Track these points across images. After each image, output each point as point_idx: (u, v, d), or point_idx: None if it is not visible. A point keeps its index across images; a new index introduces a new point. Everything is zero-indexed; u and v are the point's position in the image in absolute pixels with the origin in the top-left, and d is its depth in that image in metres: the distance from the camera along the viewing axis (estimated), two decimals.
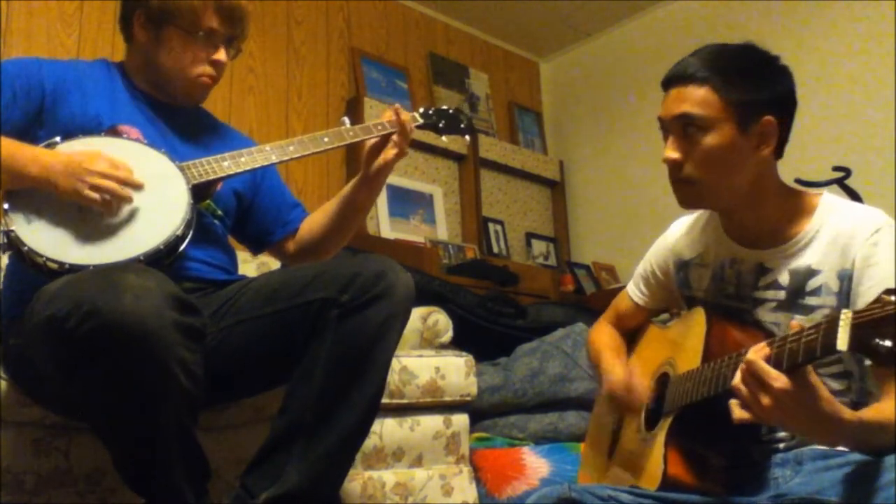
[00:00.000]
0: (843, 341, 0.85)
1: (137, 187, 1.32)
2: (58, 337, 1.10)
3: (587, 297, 3.60)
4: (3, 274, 1.49)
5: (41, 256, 1.24)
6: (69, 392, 1.21)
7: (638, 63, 3.92)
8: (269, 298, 1.37)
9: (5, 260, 1.39)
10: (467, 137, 1.84)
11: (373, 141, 1.58)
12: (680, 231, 1.39)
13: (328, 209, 1.68)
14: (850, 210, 1.19)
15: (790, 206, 1.22)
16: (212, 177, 1.45)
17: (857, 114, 3.14)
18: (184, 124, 1.58)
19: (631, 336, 1.50)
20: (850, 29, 3.22)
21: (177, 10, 1.46)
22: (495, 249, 3.77)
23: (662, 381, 1.28)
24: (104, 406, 1.17)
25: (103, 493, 1.46)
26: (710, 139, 1.16)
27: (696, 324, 1.23)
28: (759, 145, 1.18)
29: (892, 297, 0.81)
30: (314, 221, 1.70)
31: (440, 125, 1.76)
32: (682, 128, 1.18)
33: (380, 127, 1.58)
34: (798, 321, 1.00)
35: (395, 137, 1.56)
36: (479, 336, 2.58)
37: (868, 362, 1.09)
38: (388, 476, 1.84)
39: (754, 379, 0.94)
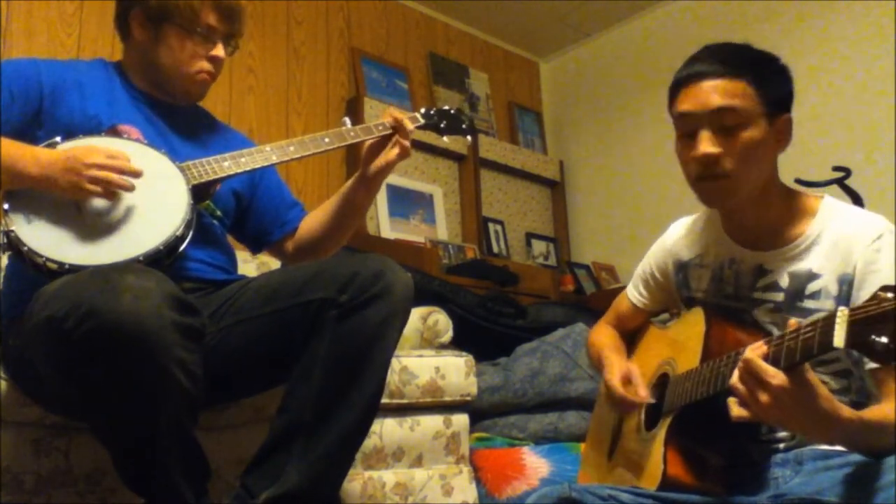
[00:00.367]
0: (839, 338, 0.85)
1: (136, 175, 1.32)
2: (56, 338, 1.10)
3: (587, 297, 3.60)
4: (3, 274, 1.49)
5: (41, 257, 1.24)
6: (68, 392, 1.21)
7: (638, 63, 3.92)
8: (269, 298, 1.37)
9: (5, 260, 1.39)
10: (468, 137, 1.84)
11: (372, 141, 1.58)
12: (679, 232, 1.39)
13: (327, 208, 1.69)
14: (852, 215, 1.20)
15: (791, 207, 1.22)
16: (212, 177, 1.45)
17: (857, 114, 3.14)
18: (183, 124, 1.58)
19: (631, 337, 1.50)
20: (850, 29, 3.22)
21: (175, 7, 1.47)
22: (495, 249, 3.77)
23: (662, 381, 1.28)
24: (103, 406, 1.17)
25: (103, 493, 1.46)
26: (750, 133, 1.15)
27: (695, 324, 1.23)
28: (779, 142, 1.20)
29: (889, 294, 0.81)
30: (313, 221, 1.71)
31: (441, 125, 1.76)
32: (718, 121, 1.16)
33: (380, 127, 1.58)
34: (796, 321, 1.00)
35: (397, 139, 1.56)
36: (479, 336, 2.58)
37: (868, 365, 1.09)
38: (388, 476, 1.85)
39: (752, 377, 0.95)
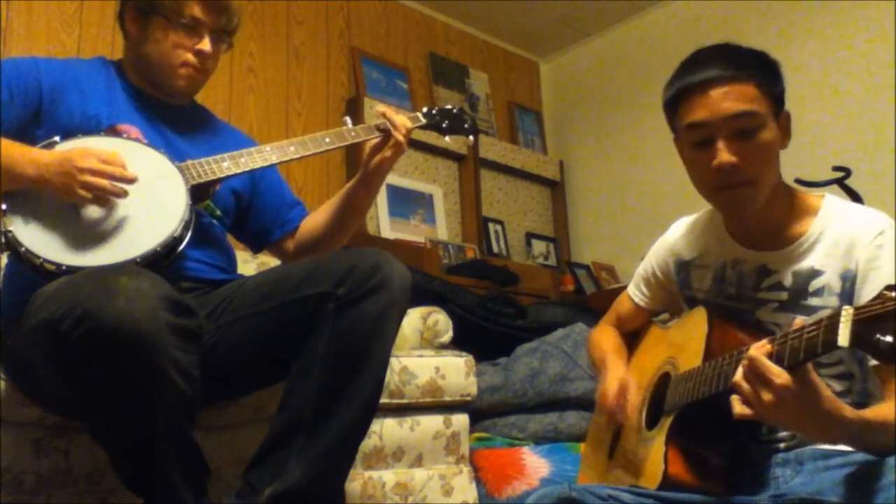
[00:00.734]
0: (844, 337, 0.85)
1: (130, 181, 1.31)
2: (53, 340, 1.10)
3: (587, 297, 3.60)
4: (2, 274, 1.49)
5: (38, 258, 1.24)
6: (66, 393, 1.21)
7: (638, 63, 3.92)
8: (266, 295, 1.37)
9: (5, 260, 1.39)
10: (470, 137, 1.82)
11: (374, 141, 1.58)
12: (680, 232, 1.39)
13: (327, 208, 1.69)
14: (854, 212, 1.19)
15: (793, 206, 1.22)
16: (211, 177, 1.45)
17: (857, 114, 3.14)
18: (183, 123, 1.58)
19: (632, 337, 1.50)
20: (850, 29, 3.22)
21: (160, 1, 1.47)
22: (495, 249, 3.77)
23: (663, 380, 1.27)
24: (100, 408, 1.17)
25: (103, 493, 1.46)
26: (766, 135, 1.14)
27: (697, 324, 1.23)
28: (783, 139, 1.19)
29: (893, 294, 0.81)
30: (314, 220, 1.71)
31: (443, 125, 1.75)
32: (734, 128, 1.13)
33: (381, 126, 1.58)
34: (801, 320, 0.99)
35: (394, 134, 1.56)
36: (479, 336, 2.58)
37: (871, 361, 1.09)
38: (388, 476, 1.84)
39: (756, 375, 0.94)
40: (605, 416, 1.41)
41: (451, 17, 4.05)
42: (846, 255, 1.15)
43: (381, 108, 1.59)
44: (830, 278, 1.15)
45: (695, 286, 1.33)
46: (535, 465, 2.14)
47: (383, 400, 1.60)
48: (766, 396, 0.93)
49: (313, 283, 1.32)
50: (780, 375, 0.92)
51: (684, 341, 1.26)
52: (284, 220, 1.71)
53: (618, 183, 4.00)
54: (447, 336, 2.14)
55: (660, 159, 3.52)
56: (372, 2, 3.72)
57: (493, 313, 2.77)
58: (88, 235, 1.29)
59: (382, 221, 3.37)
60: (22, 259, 1.25)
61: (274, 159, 1.52)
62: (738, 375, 0.97)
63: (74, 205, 1.29)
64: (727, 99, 1.13)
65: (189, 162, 1.44)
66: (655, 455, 1.16)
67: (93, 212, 1.30)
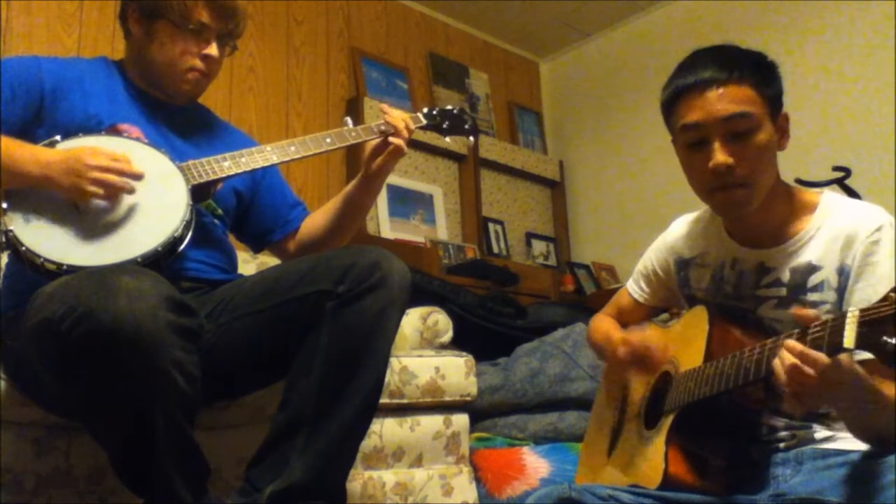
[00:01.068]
0: (849, 339, 0.85)
1: (137, 177, 1.32)
2: (53, 339, 1.10)
3: (587, 297, 3.60)
4: (2, 274, 1.49)
5: (39, 257, 1.24)
6: (66, 393, 1.21)
7: (638, 63, 3.93)
8: (266, 294, 1.37)
9: (5, 259, 1.39)
10: (470, 138, 1.82)
11: (374, 142, 1.58)
12: (680, 230, 1.39)
13: (329, 209, 1.69)
14: (852, 207, 1.19)
15: (792, 204, 1.22)
16: (212, 177, 1.45)
17: (857, 114, 3.14)
18: (184, 123, 1.58)
19: None
20: (850, 29, 3.22)
21: (168, 4, 1.46)
22: (495, 249, 3.77)
23: (664, 379, 1.27)
24: (100, 408, 1.17)
25: (103, 493, 1.46)
26: (761, 137, 1.14)
27: (697, 323, 1.23)
28: (780, 140, 1.19)
29: None
30: (315, 221, 1.71)
31: (444, 126, 1.75)
32: (729, 129, 1.13)
33: (382, 127, 1.58)
34: (798, 307, 1.00)
35: (392, 137, 1.56)
36: (479, 336, 2.58)
37: (861, 356, 1.09)
38: (388, 476, 1.84)
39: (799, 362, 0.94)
40: (608, 409, 1.40)
41: (451, 17, 4.05)
42: (844, 249, 1.15)
43: (383, 107, 1.59)
44: (829, 273, 1.15)
45: (694, 285, 1.33)
46: (535, 465, 2.14)
47: (383, 400, 1.60)
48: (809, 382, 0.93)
49: (313, 281, 1.32)
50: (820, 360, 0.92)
51: (685, 341, 1.26)
52: (286, 220, 1.71)
53: (618, 183, 4.00)
54: (447, 336, 2.14)
55: (660, 159, 3.52)
56: (372, 2, 3.72)
57: (493, 313, 2.77)
58: (89, 235, 1.29)
59: (382, 221, 3.37)
60: (22, 258, 1.25)
61: (275, 159, 1.52)
62: (779, 367, 0.96)
63: (75, 204, 1.29)
64: (722, 101, 1.13)
65: (190, 162, 1.44)
66: (655, 455, 1.16)
67: (93, 211, 1.30)
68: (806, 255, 1.18)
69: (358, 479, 1.78)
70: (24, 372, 1.32)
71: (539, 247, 4.03)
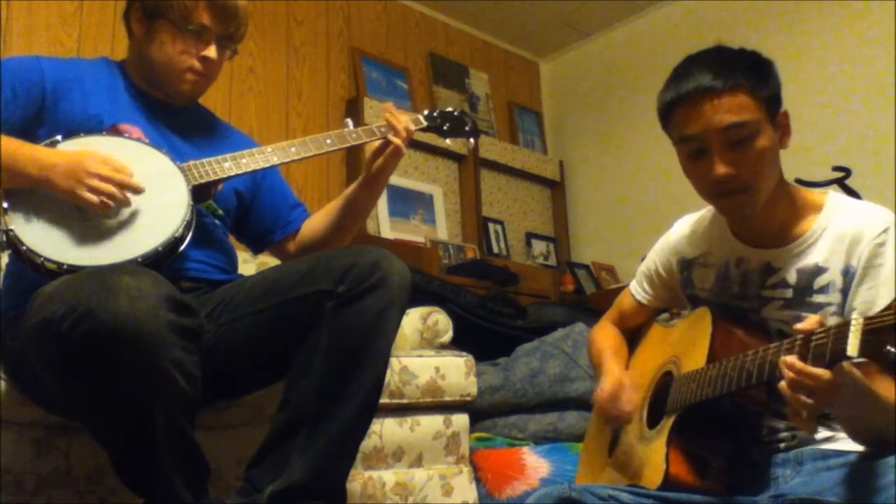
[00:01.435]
0: (853, 347, 0.84)
1: (137, 191, 1.32)
2: (53, 339, 1.10)
3: (587, 297, 3.60)
4: (2, 273, 1.49)
5: (39, 256, 1.24)
6: (66, 393, 1.21)
7: (638, 63, 3.93)
8: (266, 294, 1.37)
9: (6, 258, 1.39)
10: (471, 140, 1.82)
11: (375, 143, 1.58)
12: (683, 230, 1.39)
13: (330, 210, 1.69)
14: (858, 208, 1.19)
15: (796, 204, 1.22)
16: (212, 178, 1.45)
17: (857, 114, 3.14)
18: (185, 124, 1.57)
19: (633, 334, 1.50)
20: (850, 29, 3.22)
21: (169, 3, 1.46)
22: (495, 249, 3.77)
23: (665, 379, 1.27)
24: (101, 407, 1.17)
25: (103, 493, 1.46)
26: (761, 142, 1.13)
27: (701, 323, 1.23)
28: (782, 138, 1.19)
29: None
30: (315, 222, 1.71)
31: (444, 128, 1.75)
32: (728, 139, 1.13)
33: (382, 129, 1.58)
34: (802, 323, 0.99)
35: (391, 137, 1.56)
36: (479, 336, 2.58)
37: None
38: (388, 476, 1.84)
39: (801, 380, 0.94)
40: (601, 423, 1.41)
41: (451, 17, 4.05)
42: (849, 250, 1.15)
43: (388, 105, 1.59)
44: (834, 275, 1.15)
45: (698, 285, 1.33)
46: (535, 465, 2.14)
47: (383, 400, 1.60)
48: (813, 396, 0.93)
49: (313, 281, 1.32)
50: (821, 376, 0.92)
51: (688, 341, 1.26)
52: (286, 220, 1.71)
53: (618, 183, 4.00)
54: (447, 336, 2.14)
55: (660, 159, 3.52)
56: (372, 2, 3.72)
57: (493, 313, 2.76)
58: (90, 234, 1.29)
59: (382, 221, 3.37)
60: (23, 258, 1.25)
61: (275, 160, 1.52)
62: (784, 386, 0.96)
63: (76, 204, 1.29)
64: (718, 111, 1.12)
65: (191, 162, 1.44)
66: (656, 455, 1.16)
67: (94, 212, 1.30)
68: (813, 257, 1.18)
69: (358, 479, 1.78)
70: (24, 372, 1.31)
71: (539, 247, 4.03)
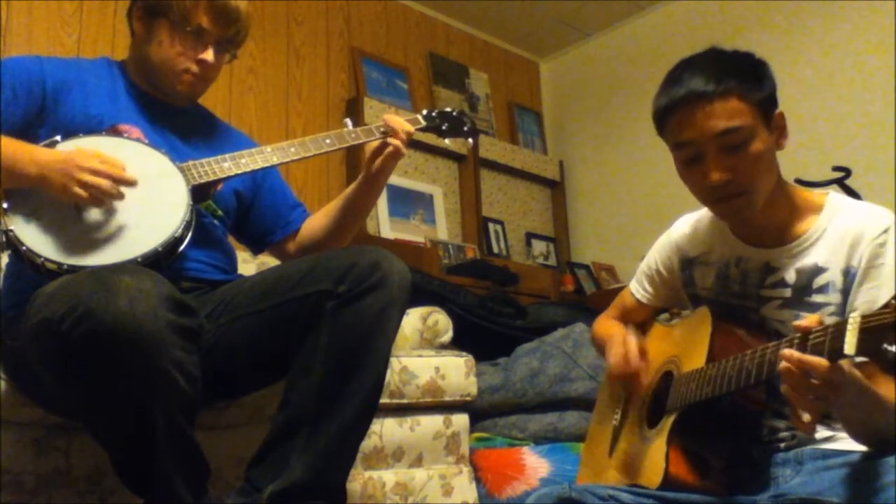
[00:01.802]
0: (850, 345, 0.84)
1: (129, 184, 1.31)
2: (53, 339, 1.10)
3: (587, 297, 3.60)
4: (2, 274, 1.49)
5: (39, 257, 1.24)
6: (66, 394, 1.21)
7: (638, 63, 3.93)
8: (266, 294, 1.37)
9: (6, 259, 1.39)
10: (469, 140, 1.82)
11: (374, 143, 1.58)
12: (684, 229, 1.39)
13: (329, 210, 1.69)
14: (859, 209, 1.19)
15: (796, 203, 1.22)
16: (212, 178, 1.45)
17: (857, 114, 3.14)
18: (185, 124, 1.58)
19: None
20: (850, 29, 3.22)
21: (169, 3, 1.46)
22: (495, 249, 3.77)
23: (665, 379, 1.28)
24: (101, 407, 1.17)
25: (103, 493, 1.46)
26: (755, 146, 1.13)
27: (701, 323, 1.23)
28: (778, 140, 1.19)
29: None
30: (315, 222, 1.71)
31: (443, 128, 1.75)
32: (722, 144, 1.13)
33: (381, 129, 1.58)
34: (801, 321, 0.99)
35: (390, 138, 1.56)
36: (479, 336, 2.58)
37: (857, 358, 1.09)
38: (388, 476, 1.84)
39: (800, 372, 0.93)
40: (610, 407, 1.41)
41: (451, 17, 4.05)
42: (850, 251, 1.15)
43: (386, 116, 1.59)
44: (834, 275, 1.16)
45: (698, 283, 1.33)
46: (535, 465, 2.14)
47: (383, 400, 1.60)
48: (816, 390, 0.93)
49: (313, 281, 1.32)
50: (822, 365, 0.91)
51: (688, 341, 1.26)
52: (286, 221, 1.71)
53: (618, 183, 4.00)
54: (447, 336, 2.14)
55: (660, 159, 3.49)
56: (372, 2, 3.72)
57: (493, 313, 2.76)
58: (90, 235, 1.29)
59: (382, 221, 3.37)
60: (23, 258, 1.25)
61: (274, 160, 1.52)
62: (785, 387, 0.96)
63: (76, 204, 1.29)
64: (711, 117, 1.12)
65: (190, 162, 1.44)
66: (656, 454, 1.16)
67: (94, 211, 1.30)
68: (812, 257, 1.18)
69: (358, 479, 1.78)
70: (24, 372, 1.31)
71: (539, 247, 4.03)
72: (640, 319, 1.49)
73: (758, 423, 1.19)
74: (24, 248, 1.24)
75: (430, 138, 1.85)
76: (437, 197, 3.66)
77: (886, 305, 0.82)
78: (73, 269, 1.22)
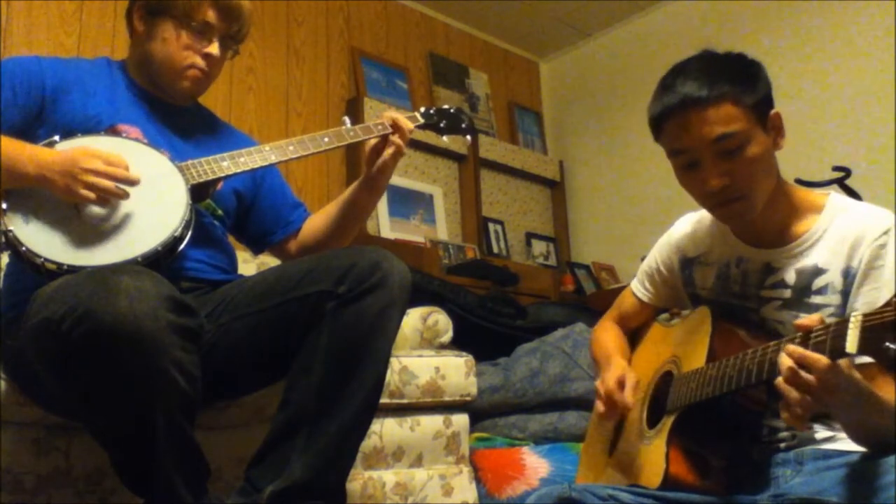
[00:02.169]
0: (852, 343, 0.84)
1: (133, 183, 1.31)
2: (53, 339, 1.10)
3: (587, 297, 3.60)
4: (2, 274, 1.49)
5: (39, 257, 1.24)
6: (66, 394, 1.21)
7: (638, 63, 3.93)
8: (266, 294, 1.37)
9: (6, 259, 1.39)
10: (468, 137, 1.83)
11: (373, 142, 1.58)
12: (685, 229, 1.39)
13: (330, 210, 1.69)
14: (859, 210, 1.19)
15: (796, 204, 1.22)
16: (211, 177, 1.45)
17: (857, 114, 3.14)
18: (184, 124, 1.57)
19: (634, 334, 1.50)
20: (850, 29, 3.22)
21: (173, 3, 1.47)
22: (495, 249, 3.77)
23: (665, 379, 1.27)
24: (101, 408, 1.17)
25: (103, 493, 1.46)
26: (751, 150, 1.13)
27: (701, 323, 1.23)
28: (776, 140, 1.18)
29: None
30: (316, 222, 1.71)
31: (441, 125, 1.76)
32: (718, 150, 1.12)
33: (380, 127, 1.58)
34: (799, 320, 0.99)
35: (392, 137, 1.56)
36: (479, 336, 2.58)
37: (858, 360, 1.09)
38: (388, 476, 1.84)
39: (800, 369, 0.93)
40: (602, 411, 1.41)
41: (451, 17, 4.05)
42: (850, 252, 1.14)
43: (390, 113, 1.59)
44: (833, 276, 1.15)
45: (699, 283, 1.33)
46: (535, 465, 2.14)
47: (383, 400, 1.60)
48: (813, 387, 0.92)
49: (313, 281, 1.32)
50: (820, 361, 0.91)
51: (688, 341, 1.26)
52: (287, 221, 1.71)
53: (618, 183, 4.00)
54: (447, 336, 2.14)
55: (660, 159, 3.50)
56: (372, 2, 3.72)
57: (493, 313, 2.76)
58: (89, 235, 1.29)
59: (382, 221, 3.37)
60: (22, 258, 1.25)
61: (273, 159, 1.52)
62: (781, 380, 0.96)
63: (75, 204, 1.29)
64: (705, 124, 1.12)
65: (189, 161, 1.44)
66: (656, 454, 1.16)
67: (94, 211, 1.30)
68: (812, 258, 1.18)
69: (358, 479, 1.78)
70: (24, 372, 1.31)
71: (539, 247, 4.03)
72: (641, 319, 1.48)
73: (758, 423, 1.19)
74: (23, 248, 1.24)
75: (430, 138, 1.86)
76: (437, 197, 3.66)
77: (888, 304, 0.82)
78: (73, 270, 1.22)
